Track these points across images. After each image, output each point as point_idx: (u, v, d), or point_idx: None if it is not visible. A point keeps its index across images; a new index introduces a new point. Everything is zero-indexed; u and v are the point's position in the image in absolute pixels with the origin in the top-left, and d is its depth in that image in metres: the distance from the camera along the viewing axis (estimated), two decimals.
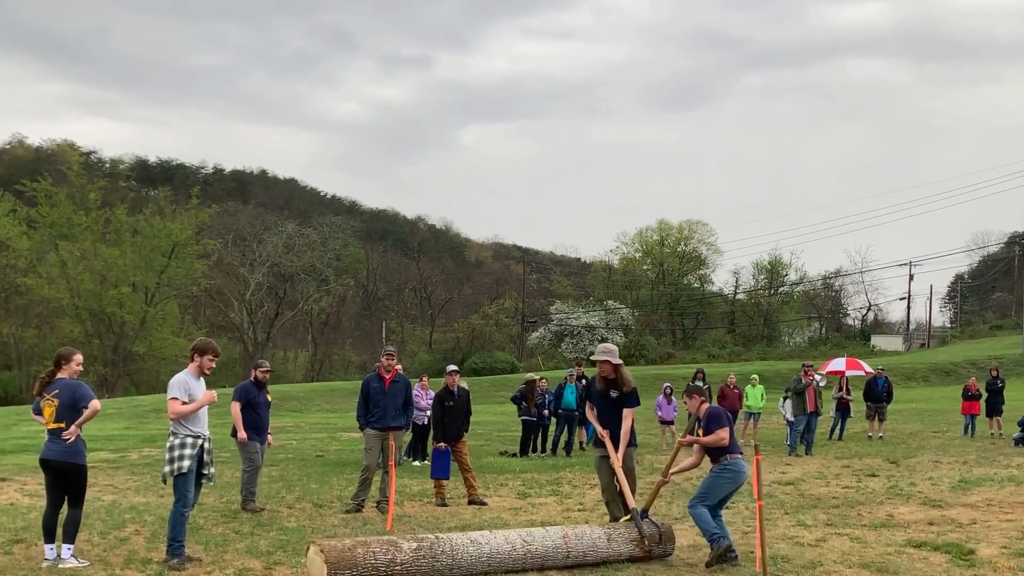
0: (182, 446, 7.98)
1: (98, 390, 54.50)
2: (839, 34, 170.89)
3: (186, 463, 7.97)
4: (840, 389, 21.98)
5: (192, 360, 8.25)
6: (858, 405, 23.25)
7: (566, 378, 19.68)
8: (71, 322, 58.88)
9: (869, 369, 22.87)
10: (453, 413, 12.09)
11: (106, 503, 11.76)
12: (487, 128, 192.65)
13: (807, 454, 18.48)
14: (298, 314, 73.81)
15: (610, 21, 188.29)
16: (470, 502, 11.69)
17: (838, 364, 23.80)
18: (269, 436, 11.72)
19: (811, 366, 19.87)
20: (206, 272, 64.33)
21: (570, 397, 19.13)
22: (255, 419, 11.32)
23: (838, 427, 21.89)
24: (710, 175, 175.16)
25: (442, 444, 11.88)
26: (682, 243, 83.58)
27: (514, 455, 18.52)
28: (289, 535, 9.39)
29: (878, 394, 22.19)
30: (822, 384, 19.70)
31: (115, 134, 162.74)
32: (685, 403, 9.21)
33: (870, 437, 21.70)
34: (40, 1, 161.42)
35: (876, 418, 22.02)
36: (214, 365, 8.34)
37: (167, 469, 8.03)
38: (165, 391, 8.20)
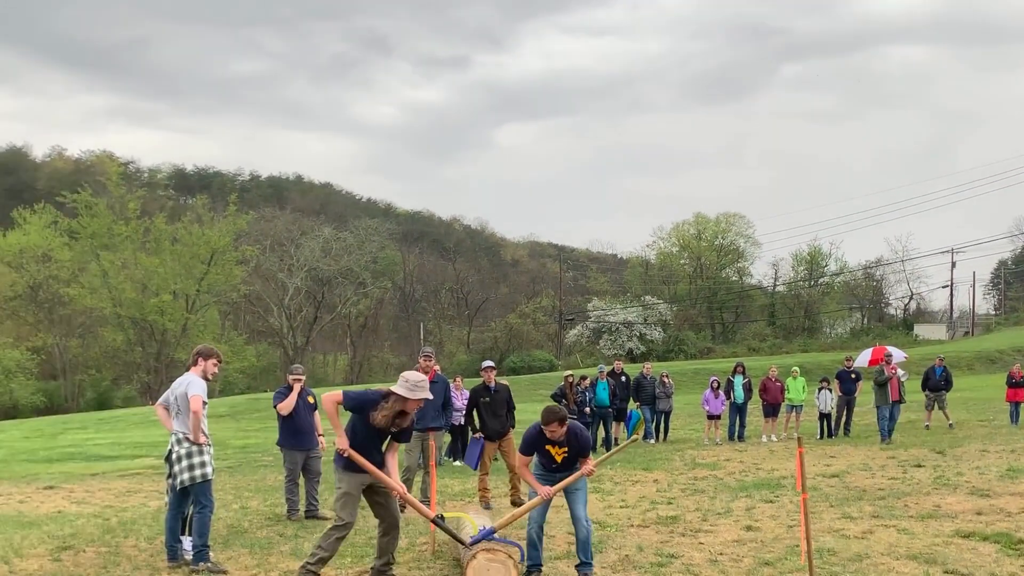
0: (200, 452, 7.99)
1: (141, 397, 55.32)
2: (878, 22, 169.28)
3: (209, 469, 8.01)
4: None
5: (196, 364, 8.18)
6: (918, 395, 22.94)
7: (597, 375, 19.65)
8: (114, 331, 59.68)
9: (901, 355, 22.62)
10: (492, 409, 11.93)
11: (152, 509, 11.88)
12: (523, 127, 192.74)
13: (887, 440, 18.70)
14: (336, 317, 74.22)
15: (646, 15, 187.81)
16: (513, 503, 11.63)
17: (865, 356, 23.69)
18: (321, 439, 11.37)
19: (890, 355, 20.46)
20: (245, 278, 64.83)
21: (603, 394, 19.09)
22: (295, 426, 11.00)
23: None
24: (748, 167, 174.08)
25: (479, 434, 11.84)
26: (719, 236, 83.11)
27: None
28: None
29: (936, 382, 21.84)
30: (904, 378, 20.05)
31: (158, 144, 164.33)
32: (553, 431, 7.53)
33: (927, 427, 21.36)
34: (80, 14, 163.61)
35: (935, 407, 21.67)
36: (218, 371, 8.35)
37: (187, 476, 7.89)
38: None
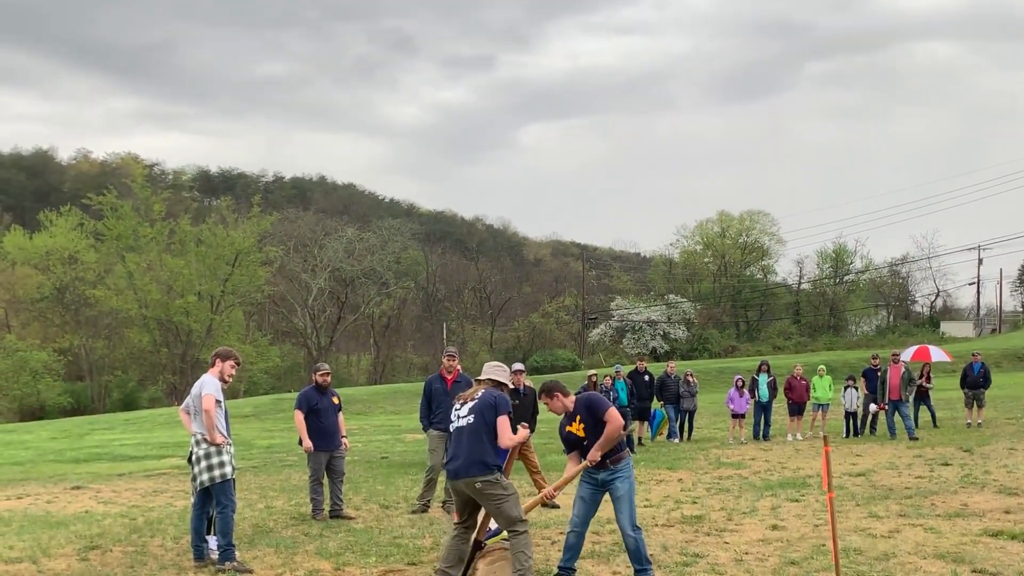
0: (219, 452, 8.06)
1: (167, 398, 55.67)
2: (905, 18, 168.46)
3: (228, 469, 8.06)
4: (920, 376, 21.59)
5: (214, 366, 8.31)
6: (956, 392, 22.77)
7: (615, 374, 19.65)
8: (139, 332, 60.04)
9: (938, 356, 22.43)
10: (518, 413, 11.86)
11: (178, 509, 11.94)
12: (547, 127, 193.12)
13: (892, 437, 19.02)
14: (360, 318, 74.35)
15: (672, 14, 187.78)
16: (543, 505, 11.57)
17: (908, 354, 23.62)
18: (345, 440, 11.38)
19: (897, 354, 20.62)
20: (269, 279, 65.08)
21: (621, 393, 19.08)
22: (319, 426, 10.96)
23: (918, 415, 21.56)
24: (773, 165, 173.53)
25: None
26: (743, 234, 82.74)
27: None
28: (357, 536, 9.47)
29: (975, 379, 21.62)
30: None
31: (184, 147, 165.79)
32: (545, 404, 7.50)
33: (969, 425, 21.18)
34: (107, 17, 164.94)
35: (975, 405, 21.50)
36: (235, 373, 8.41)
37: (207, 476, 8.02)
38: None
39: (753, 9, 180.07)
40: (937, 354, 22.87)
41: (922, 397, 21.46)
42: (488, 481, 6.84)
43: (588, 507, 7.40)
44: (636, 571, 7.25)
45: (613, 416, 7.14)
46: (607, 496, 7.36)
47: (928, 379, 21.57)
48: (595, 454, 7.14)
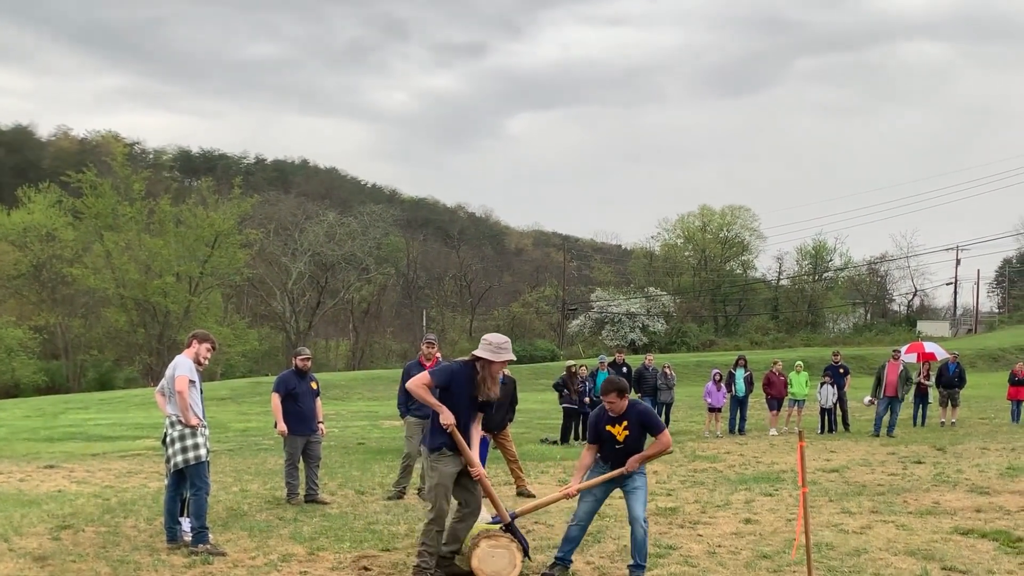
0: (193, 434, 8.03)
1: (143, 379, 55.33)
2: (894, 17, 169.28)
3: (203, 451, 8.04)
4: (919, 374, 21.79)
5: (190, 347, 8.28)
6: (931, 391, 22.98)
7: (598, 365, 19.69)
8: (116, 312, 59.69)
9: (932, 351, 22.69)
10: (498, 401, 11.85)
11: (152, 490, 11.89)
12: (536, 116, 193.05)
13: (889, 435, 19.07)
14: (339, 303, 74.19)
15: (664, 7, 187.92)
16: (518, 493, 11.57)
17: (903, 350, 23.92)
18: (321, 426, 11.32)
19: (897, 351, 20.70)
20: (248, 262, 64.79)
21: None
22: (297, 410, 10.90)
23: (919, 413, 21.73)
24: (758, 160, 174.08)
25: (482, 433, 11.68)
26: (724, 229, 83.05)
27: (555, 442, 18.52)
28: (332, 521, 9.45)
29: (950, 379, 21.86)
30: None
31: (170, 127, 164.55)
32: (612, 403, 7.17)
33: (942, 424, 21.37)
34: None
35: (949, 404, 21.73)
36: (210, 357, 8.39)
37: (180, 458, 7.97)
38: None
39: (746, 5, 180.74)
40: (931, 347, 23.08)
41: (922, 395, 21.66)
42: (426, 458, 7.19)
43: (596, 503, 7.36)
44: (635, 565, 7.08)
45: (665, 437, 7.18)
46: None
47: (928, 376, 21.78)
48: (634, 464, 7.15)
